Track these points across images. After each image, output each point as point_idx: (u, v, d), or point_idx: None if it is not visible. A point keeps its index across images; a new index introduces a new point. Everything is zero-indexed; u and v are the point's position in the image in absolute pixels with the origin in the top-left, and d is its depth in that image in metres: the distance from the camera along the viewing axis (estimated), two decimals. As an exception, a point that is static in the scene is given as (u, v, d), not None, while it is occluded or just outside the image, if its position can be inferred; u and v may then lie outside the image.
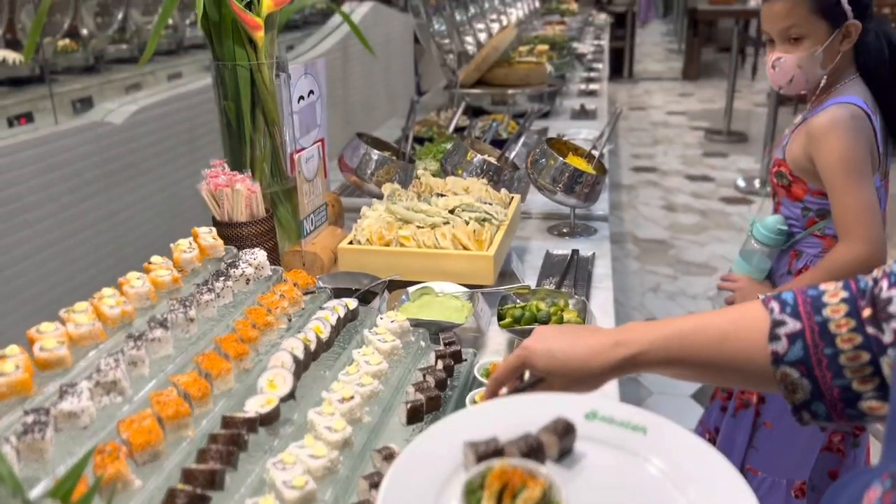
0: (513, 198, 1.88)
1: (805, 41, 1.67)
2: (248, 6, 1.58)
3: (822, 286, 0.80)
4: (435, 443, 0.71)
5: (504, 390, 0.93)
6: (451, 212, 1.72)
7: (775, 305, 0.79)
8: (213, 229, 1.37)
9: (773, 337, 0.78)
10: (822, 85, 1.72)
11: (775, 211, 1.86)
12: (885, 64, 1.72)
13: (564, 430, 0.72)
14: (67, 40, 3.73)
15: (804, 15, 1.64)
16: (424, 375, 1.16)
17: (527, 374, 0.93)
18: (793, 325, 0.77)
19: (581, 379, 0.86)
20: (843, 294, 0.77)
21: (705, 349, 0.82)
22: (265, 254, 1.33)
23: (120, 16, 4.07)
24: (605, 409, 0.77)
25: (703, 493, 0.66)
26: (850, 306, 0.76)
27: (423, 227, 1.66)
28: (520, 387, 0.91)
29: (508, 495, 0.63)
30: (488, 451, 0.69)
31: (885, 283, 0.74)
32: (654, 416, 0.76)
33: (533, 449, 0.70)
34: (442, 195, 1.85)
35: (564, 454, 0.73)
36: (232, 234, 1.52)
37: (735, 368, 0.81)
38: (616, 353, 0.84)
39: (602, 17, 8.36)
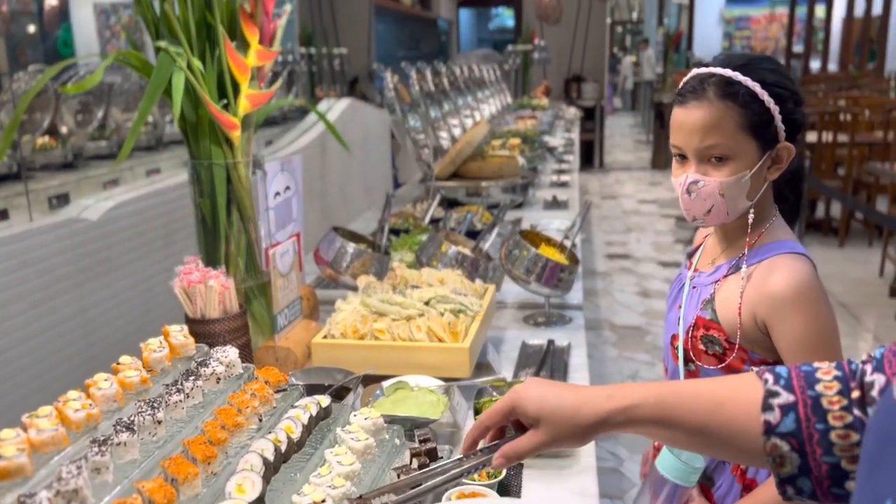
0: (487, 288, 1.90)
1: (731, 163, 1.29)
2: (226, 107, 1.62)
3: (816, 363, 0.81)
4: None
5: (486, 438, 0.92)
6: (427, 304, 1.72)
7: (769, 377, 0.81)
8: (185, 327, 1.35)
9: (766, 407, 0.78)
10: (751, 222, 1.34)
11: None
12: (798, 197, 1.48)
13: None
14: (47, 138, 3.78)
15: (731, 131, 1.27)
16: (399, 475, 1.13)
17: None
18: (786, 396, 0.78)
19: (570, 429, 0.85)
20: (836, 372, 0.79)
21: (698, 413, 0.82)
22: (236, 351, 1.32)
23: (100, 114, 4.15)
24: None
25: None
26: (843, 385, 0.77)
27: (397, 320, 1.66)
28: (502, 440, 0.89)
29: None
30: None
31: (868, 367, 0.76)
32: None
33: None
34: (417, 287, 1.85)
35: None
36: (204, 330, 1.51)
37: (726, 437, 0.81)
38: (608, 404, 0.84)
39: (572, 111, 8.65)
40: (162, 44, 1.51)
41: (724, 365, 1.36)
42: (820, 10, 16.56)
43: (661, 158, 11.09)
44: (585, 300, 2.24)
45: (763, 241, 1.36)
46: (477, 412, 1.44)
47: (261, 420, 1.20)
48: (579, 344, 1.92)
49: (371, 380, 1.54)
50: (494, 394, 1.50)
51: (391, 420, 1.32)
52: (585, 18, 10.87)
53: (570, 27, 10.78)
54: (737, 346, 1.33)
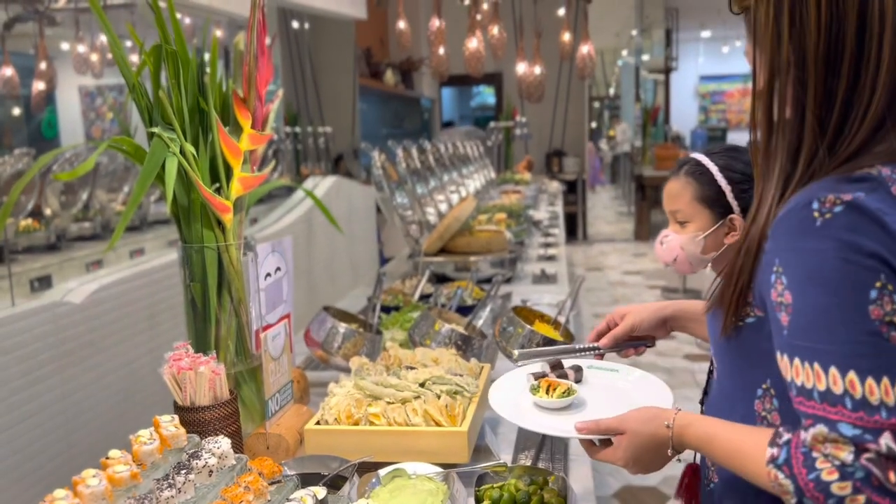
0: (483, 367, 1.86)
1: (690, 225, 1.69)
2: (218, 190, 1.62)
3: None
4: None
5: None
6: (422, 385, 1.69)
7: None
8: (176, 417, 1.31)
9: None
10: (707, 273, 1.74)
11: None
12: None
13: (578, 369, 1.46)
14: (30, 220, 3.75)
15: (688, 201, 1.68)
16: (401, 572, 1.07)
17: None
18: None
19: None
20: None
21: None
22: (229, 441, 1.27)
23: (85, 195, 4.14)
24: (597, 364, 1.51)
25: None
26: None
27: (393, 403, 1.62)
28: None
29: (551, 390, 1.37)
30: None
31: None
32: (623, 365, 1.45)
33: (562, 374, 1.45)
34: (411, 368, 1.82)
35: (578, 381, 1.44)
36: (194, 419, 1.46)
37: None
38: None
39: (554, 185, 8.78)
40: (155, 130, 1.51)
41: None
42: (789, 85, 17.10)
43: (644, 230, 11.22)
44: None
45: None
46: (478, 501, 1.39)
47: (255, 515, 1.15)
48: (577, 423, 1.87)
49: (367, 467, 1.48)
50: (495, 479, 1.45)
51: (390, 511, 1.27)
52: (565, 96, 11.18)
53: (550, 103, 11.06)
54: None
